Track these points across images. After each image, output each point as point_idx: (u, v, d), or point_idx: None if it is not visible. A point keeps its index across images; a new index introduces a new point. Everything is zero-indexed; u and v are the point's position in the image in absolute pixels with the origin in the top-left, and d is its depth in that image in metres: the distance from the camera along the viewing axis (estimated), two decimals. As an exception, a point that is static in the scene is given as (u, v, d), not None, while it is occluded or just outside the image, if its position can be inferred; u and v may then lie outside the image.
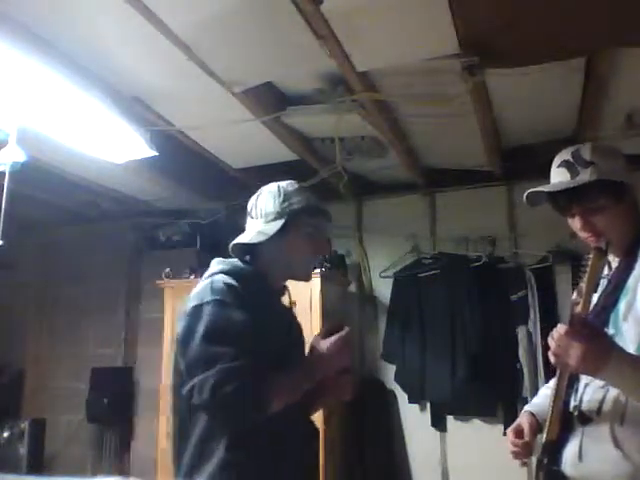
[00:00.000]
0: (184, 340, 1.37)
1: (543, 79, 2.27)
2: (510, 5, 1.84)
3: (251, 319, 1.36)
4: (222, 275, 1.43)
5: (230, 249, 1.55)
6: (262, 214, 1.51)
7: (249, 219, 1.56)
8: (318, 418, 2.95)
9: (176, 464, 1.48)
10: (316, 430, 1.62)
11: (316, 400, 1.60)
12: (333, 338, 1.45)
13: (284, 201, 1.49)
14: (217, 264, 1.51)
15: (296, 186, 1.54)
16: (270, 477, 1.39)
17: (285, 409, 1.35)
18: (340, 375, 1.54)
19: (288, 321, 1.57)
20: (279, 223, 1.47)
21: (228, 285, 1.39)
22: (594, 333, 1.14)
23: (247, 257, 1.54)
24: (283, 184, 1.54)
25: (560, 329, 1.14)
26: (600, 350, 1.11)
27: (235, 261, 1.52)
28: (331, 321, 1.52)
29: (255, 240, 1.48)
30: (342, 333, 1.46)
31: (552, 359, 1.17)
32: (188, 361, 1.35)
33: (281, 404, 1.33)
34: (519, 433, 1.45)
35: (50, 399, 4.17)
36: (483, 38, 1.99)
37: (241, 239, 1.52)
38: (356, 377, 3.54)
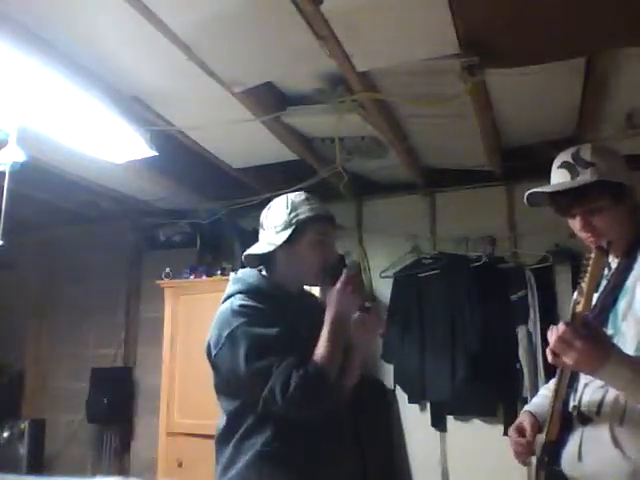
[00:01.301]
0: (229, 368, 1.50)
1: (543, 79, 2.27)
2: (510, 5, 1.84)
3: (277, 328, 1.47)
4: (239, 296, 1.55)
5: (244, 260, 1.66)
6: (272, 225, 1.60)
7: (261, 231, 1.66)
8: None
9: (217, 461, 1.57)
10: (360, 450, 1.77)
11: (352, 356, 1.62)
12: (337, 284, 1.53)
13: (291, 212, 1.58)
14: (233, 283, 1.62)
15: (303, 196, 1.63)
16: (300, 471, 1.50)
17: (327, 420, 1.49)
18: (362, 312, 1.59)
19: (313, 317, 1.59)
20: (287, 232, 1.56)
21: (245, 306, 1.51)
22: (593, 333, 1.13)
23: (261, 267, 1.65)
24: (291, 195, 1.64)
25: (559, 327, 1.13)
26: (598, 350, 1.11)
27: (249, 276, 1.63)
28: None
29: (265, 250, 1.59)
30: (343, 276, 1.54)
31: (549, 357, 1.17)
32: (245, 383, 1.47)
33: (336, 366, 1.45)
34: (521, 432, 1.44)
35: (50, 399, 4.17)
36: (483, 38, 1.99)
37: (252, 250, 1.63)
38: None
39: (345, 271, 1.56)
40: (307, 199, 1.62)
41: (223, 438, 1.55)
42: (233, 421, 1.53)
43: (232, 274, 1.67)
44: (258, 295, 1.56)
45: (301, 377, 1.39)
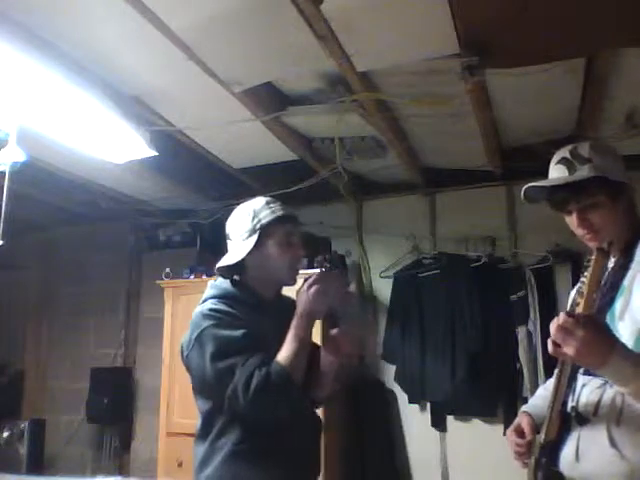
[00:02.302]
0: (198, 369, 1.55)
1: (543, 79, 2.26)
2: (510, 5, 1.84)
3: (244, 330, 1.52)
4: (212, 300, 1.62)
5: (217, 272, 1.70)
6: (237, 235, 1.65)
7: (228, 242, 1.70)
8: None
9: (194, 458, 1.62)
10: (318, 419, 1.74)
11: (324, 374, 1.66)
12: (304, 284, 1.56)
13: (254, 218, 1.63)
14: (210, 289, 1.68)
15: (263, 201, 1.67)
16: (270, 465, 1.53)
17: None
18: (337, 334, 1.62)
19: (286, 320, 1.59)
20: (253, 239, 1.61)
21: (215, 310, 1.57)
22: (597, 326, 1.11)
23: (236, 276, 1.69)
24: (251, 202, 1.68)
25: (560, 316, 1.11)
26: (602, 343, 1.09)
27: (224, 282, 1.68)
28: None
29: (235, 260, 1.63)
30: (313, 276, 1.57)
31: (550, 348, 1.13)
32: (211, 383, 1.52)
33: (298, 367, 1.48)
34: (520, 433, 1.44)
35: (50, 399, 4.17)
36: (483, 38, 1.99)
37: (223, 262, 1.67)
38: (356, 373, 3.54)
39: (318, 271, 1.62)
40: (267, 203, 1.66)
41: (199, 437, 1.60)
42: (207, 420, 1.58)
43: (210, 281, 1.73)
44: (231, 300, 1.62)
45: (262, 376, 1.43)
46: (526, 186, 1.42)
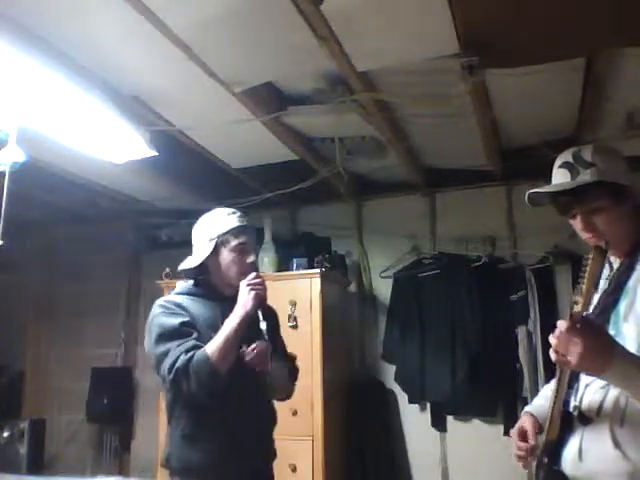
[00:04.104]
0: (148, 353, 1.79)
1: (543, 79, 2.27)
2: (510, 5, 1.84)
3: (185, 319, 1.75)
4: (172, 294, 1.89)
5: (179, 273, 1.95)
6: (199, 240, 1.88)
7: (193, 246, 1.91)
8: (318, 418, 2.96)
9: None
10: (272, 410, 1.94)
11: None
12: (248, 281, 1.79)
13: (213, 227, 1.86)
14: (178, 287, 1.94)
15: (224, 212, 1.89)
16: (213, 449, 1.73)
17: (239, 390, 1.73)
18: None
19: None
20: (212, 245, 1.84)
21: (167, 301, 1.83)
22: (596, 331, 1.12)
23: (200, 276, 1.91)
24: (213, 212, 1.91)
25: (559, 324, 1.12)
26: (602, 349, 1.09)
27: (190, 282, 1.93)
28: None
29: (194, 264, 1.87)
30: (255, 276, 1.80)
31: (552, 356, 1.15)
32: (153, 365, 1.75)
33: (222, 356, 1.67)
34: (523, 436, 1.44)
35: (50, 399, 4.17)
36: (483, 38, 1.99)
37: (183, 265, 1.91)
38: (357, 377, 3.55)
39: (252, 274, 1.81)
40: (227, 214, 1.88)
41: (167, 420, 1.83)
42: (168, 407, 1.81)
43: (178, 283, 1.98)
44: (189, 295, 1.87)
45: (185, 360, 1.64)
46: (529, 192, 1.42)
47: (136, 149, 2.58)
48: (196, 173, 3.37)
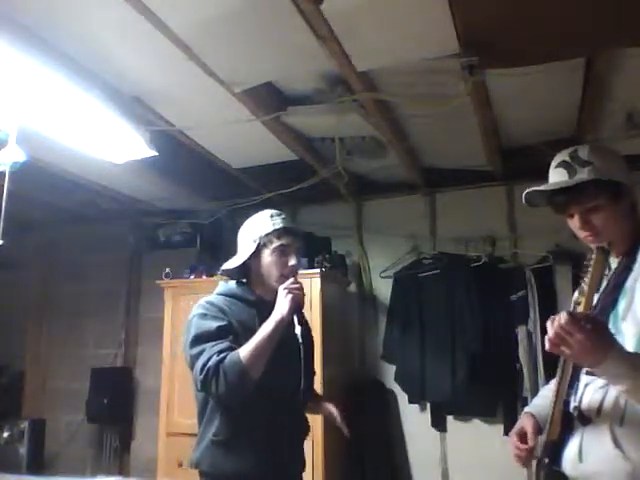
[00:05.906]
0: (184, 353, 1.77)
1: (543, 79, 2.27)
2: (510, 5, 1.84)
3: (224, 323, 1.72)
4: (213, 295, 1.85)
5: (220, 273, 1.92)
6: (243, 242, 1.87)
7: (238, 247, 1.90)
8: (318, 418, 2.96)
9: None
10: (305, 422, 1.91)
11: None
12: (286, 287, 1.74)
13: (256, 229, 1.83)
14: (219, 286, 1.90)
15: (268, 214, 1.86)
16: (244, 457, 1.70)
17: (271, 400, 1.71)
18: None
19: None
20: (253, 247, 1.81)
21: (208, 302, 1.80)
22: (596, 326, 1.12)
23: (243, 278, 1.88)
24: (258, 214, 1.88)
25: (562, 316, 1.11)
26: (600, 342, 1.09)
27: (232, 282, 1.90)
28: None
29: (235, 264, 1.84)
30: (294, 282, 1.75)
31: (548, 346, 1.14)
32: (188, 366, 1.73)
33: (254, 361, 1.63)
34: (523, 437, 1.44)
35: (50, 399, 4.17)
36: (483, 38, 1.99)
37: (225, 265, 1.88)
38: (357, 377, 3.54)
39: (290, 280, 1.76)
40: (271, 216, 1.85)
41: (198, 420, 1.81)
42: (199, 408, 1.79)
43: (221, 281, 1.93)
44: (231, 297, 1.83)
45: (216, 361, 1.62)
46: (526, 191, 1.42)
47: (136, 149, 2.58)
48: (196, 173, 3.37)
